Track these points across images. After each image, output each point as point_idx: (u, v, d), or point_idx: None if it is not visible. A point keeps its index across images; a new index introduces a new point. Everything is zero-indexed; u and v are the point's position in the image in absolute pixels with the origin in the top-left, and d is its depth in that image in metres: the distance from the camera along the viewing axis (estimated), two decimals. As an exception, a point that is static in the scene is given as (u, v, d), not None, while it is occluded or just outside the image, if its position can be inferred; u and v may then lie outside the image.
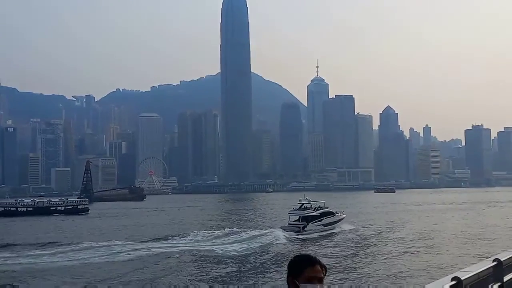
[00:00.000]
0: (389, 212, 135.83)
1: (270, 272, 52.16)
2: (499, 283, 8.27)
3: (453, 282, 6.26)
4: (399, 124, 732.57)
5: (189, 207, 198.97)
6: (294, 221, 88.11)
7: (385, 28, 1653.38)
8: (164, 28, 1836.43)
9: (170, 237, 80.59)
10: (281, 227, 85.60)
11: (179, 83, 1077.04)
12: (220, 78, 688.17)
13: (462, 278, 6.40)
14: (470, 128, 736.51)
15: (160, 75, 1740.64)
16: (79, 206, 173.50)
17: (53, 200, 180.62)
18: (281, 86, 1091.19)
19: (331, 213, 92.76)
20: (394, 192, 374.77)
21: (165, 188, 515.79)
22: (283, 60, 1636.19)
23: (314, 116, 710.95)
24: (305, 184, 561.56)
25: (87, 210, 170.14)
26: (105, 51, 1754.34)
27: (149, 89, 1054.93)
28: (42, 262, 58.42)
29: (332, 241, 77.68)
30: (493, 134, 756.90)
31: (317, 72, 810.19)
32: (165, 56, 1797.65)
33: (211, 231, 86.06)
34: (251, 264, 57.84)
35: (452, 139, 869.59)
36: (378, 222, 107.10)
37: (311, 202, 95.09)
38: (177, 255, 61.52)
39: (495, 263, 8.39)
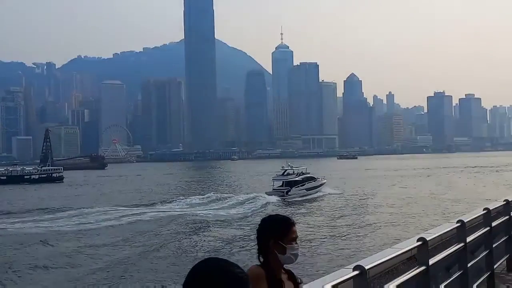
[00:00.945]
0: (353, 178, 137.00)
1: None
2: (462, 244, 8.68)
3: (419, 243, 6.56)
4: (363, 91, 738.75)
5: (164, 174, 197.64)
6: (278, 186, 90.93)
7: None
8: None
9: (159, 203, 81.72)
10: (265, 192, 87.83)
11: (142, 50, 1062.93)
12: (184, 45, 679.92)
13: (427, 239, 6.65)
14: (432, 95, 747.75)
15: (122, 42, 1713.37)
16: (53, 175, 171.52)
17: (26, 168, 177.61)
18: (246, 53, 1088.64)
19: (312, 178, 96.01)
20: (356, 158, 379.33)
21: (130, 156, 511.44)
22: (247, 27, 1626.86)
23: (279, 84, 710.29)
24: (270, 151, 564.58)
25: (62, 179, 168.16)
26: (66, 16, 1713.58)
27: (112, 56, 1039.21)
28: (59, 225, 59.13)
29: (317, 202, 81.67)
30: (455, 101, 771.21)
31: (281, 39, 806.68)
32: (127, 22, 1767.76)
33: (197, 197, 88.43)
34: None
35: (415, 106, 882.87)
36: (349, 187, 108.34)
37: (294, 168, 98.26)
38: (183, 218, 62.22)
39: (458, 224, 8.86)
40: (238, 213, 68.40)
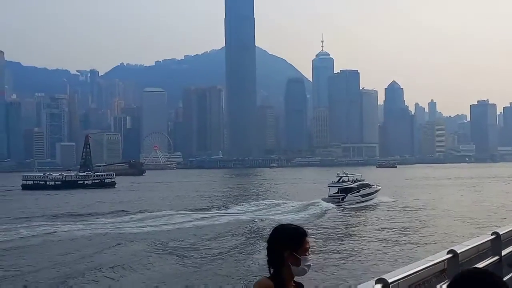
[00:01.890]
0: (391, 187, 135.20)
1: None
2: (497, 257, 8.35)
3: (450, 255, 6.33)
4: (404, 99, 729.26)
5: (199, 182, 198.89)
6: (333, 193, 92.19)
7: (394, 3, 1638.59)
8: (168, 1, 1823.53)
9: (221, 208, 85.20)
10: (322, 199, 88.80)
11: (183, 58, 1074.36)
12: (225, 53, 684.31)
13: (458, 252, 6.42)
14: (476, 103, 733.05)
15: (164, 49, 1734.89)
16: (105, 180, 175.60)
17: (80, 174, 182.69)
18: (286, 61, 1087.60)
19: (367, 185, 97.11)
20: (396, 167, 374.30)
21: (170, 163, 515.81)
22: (288, 35, 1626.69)
23: (318, 91, 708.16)
24: (309, 159, 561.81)
25: (114, 184, 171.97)
26: (109, 25, 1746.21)
27: (153, 64, 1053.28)
28: (147, 226, 62.80)
29: (375, 210, 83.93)
30: (499, 110, 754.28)
31: (322, 46, 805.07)
32: (169, 31, 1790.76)
33: (254, 203, 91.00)
34: (336, 225, 63.83)
35: (458, 114, 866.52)
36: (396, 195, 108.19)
37: (349, 175, 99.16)
38: (257, 221, 64.69)
39: (493, 236, 8.53)
40: (303, 218, 70.32)
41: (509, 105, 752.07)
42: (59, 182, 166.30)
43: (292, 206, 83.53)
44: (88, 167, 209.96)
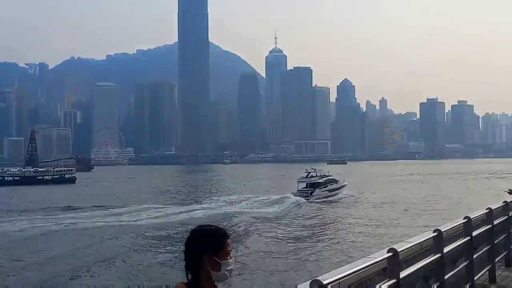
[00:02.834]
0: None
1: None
2: (439, 254, 8.34)
3: (389, 254, 6.25)
4: (356, 96, 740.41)
5: (155, 177, 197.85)
6: (302, 188, 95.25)
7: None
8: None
9: (196, 202, 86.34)
10: (291, 193, 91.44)
11: (135, 52, 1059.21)
12: (178, 48, 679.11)
13: (398, 250, 6.34)
14: (425, 101, 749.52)
15: (116, 43, 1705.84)
16: (65, 176, 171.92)
17: (40, 169, 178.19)
18: (239, 57, 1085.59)
19: (334, 181, 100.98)
20: (346, 163, 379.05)
21: (121, 159, 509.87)
22: (242, 31, 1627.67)
23: (272, 88, 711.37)
24: (263, 155, 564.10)
25: (74, 180, 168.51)
26: (60, 17, 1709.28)
27: (105, 58, 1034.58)
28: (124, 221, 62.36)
29: (340, 202, 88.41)
30: (447, 108, 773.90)
31: (275, 43, 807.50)
32: (121, 24, 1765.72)
33: (223, 198, 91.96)
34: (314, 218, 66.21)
35: (408, 112, 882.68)
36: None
37: (317, 171, 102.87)
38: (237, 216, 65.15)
39: (435, 233, 8.52)
40: (279, 211, 73.11)
41: (457, 103, 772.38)
42: (18, 178, 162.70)
43: (263, 200, 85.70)
44: (34, 162, 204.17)
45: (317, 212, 72.32)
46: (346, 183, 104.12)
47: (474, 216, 11.54)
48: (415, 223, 56.08)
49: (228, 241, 4.24)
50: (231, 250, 4.20)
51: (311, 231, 53.82)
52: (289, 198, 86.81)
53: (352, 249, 42.50)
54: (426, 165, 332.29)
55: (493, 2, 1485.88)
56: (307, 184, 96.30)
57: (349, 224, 58.64)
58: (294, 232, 52.71)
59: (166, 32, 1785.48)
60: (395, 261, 6.32)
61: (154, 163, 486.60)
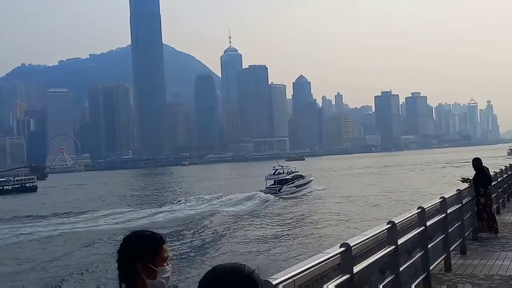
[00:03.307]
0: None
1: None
2: (394, 246, 8.29)
3: (343, 249, 6.18)
4: (312, 92, 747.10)
5: (112, 183, 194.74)
6: (270, 185, 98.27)
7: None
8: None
9: (163, 204, 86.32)
10: (260, 190, 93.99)
11: (88, 57, 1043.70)
12: (131, 50, 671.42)
13: (351, 245, 6.27)
14: (380, 94, 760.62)
15: (68, 48, 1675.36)
16: (26, 184, 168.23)
17: (0, 179, 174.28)
18: (194, 57, 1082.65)
19: (301, 176, 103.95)
20: (304, 159, 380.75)
21: (78, 165, 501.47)
22: (195, 31, 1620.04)
23: (228, 87, 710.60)
24: (222, 155, 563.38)
25: (36, 188, 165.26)
26: (8, 23, 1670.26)
27: (57, 64, 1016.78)
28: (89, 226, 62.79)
29: (308, 197, 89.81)
30: (401, 100, 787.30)
31: (230, 42, 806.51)
32: (72, 29, 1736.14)
33: (199, 196, 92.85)
34: (286, 214, 67.42)
35: (363, 106, 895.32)
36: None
37: (284, 168, 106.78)
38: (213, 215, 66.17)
39: (389, 225, 8.48)
40: (249, 208, 75.19)
41: (410, 95, 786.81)
42: None
43: (232, 199, 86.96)
44: None
45: (285, 210, 73.33)
46: (312, 178, 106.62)
47: (428, 206, 11.57)
48: (375, 215, 56.87)
49: (165, 246, 3.78)
50: (168, 256, 3.77)
51: (277, 229, 54.28)
52: (258, 195, 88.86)
53: (316, 244, 42.89)
54: (382, 157, 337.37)
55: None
56: (275, 181, 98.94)
57: (314, 220, 59.48)
58: (262, 230, 53.41)
59: (119, 35, 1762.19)
60: (348, 256, 6.23)
61: (112, 168, 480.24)
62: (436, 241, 12.19)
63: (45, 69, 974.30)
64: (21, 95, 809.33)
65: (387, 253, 7.98)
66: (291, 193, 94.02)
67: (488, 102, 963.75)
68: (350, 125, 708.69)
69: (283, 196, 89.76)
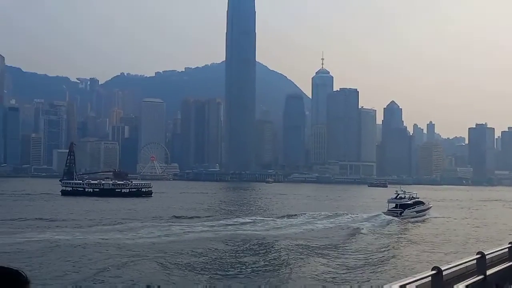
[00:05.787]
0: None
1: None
2: (482, 276, 8.44)
3: (433, 272, 6.31)
4: (403, 119, 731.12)
5: (206, 193, 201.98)
6: (392, 207, 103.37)
7: (390, 27, 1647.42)
8: (171, 15, 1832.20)
9: (290, 216, 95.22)
10: (382, 212, 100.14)
11: (183, 70, 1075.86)
12: (225, 66, 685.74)
13: (442, 269, 6.44)
14: (474, 126, 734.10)
15: (165, 61, 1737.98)
16: (142, 189, 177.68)
17: (118, 182, 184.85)
18: (286, 77, 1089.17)
19: (421, 202, 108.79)
20: (387, 187, 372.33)
21: (166, 174, 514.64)
22: (289, 51, 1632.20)
23: (317, 108, 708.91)
24: (306, 175, 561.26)
25: (151, 193, 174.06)
26: (112, 33, 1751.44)
27: (154, 75, 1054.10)
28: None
29: (429, 223, 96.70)
30: (497, 134, 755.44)
31: (322, 64, 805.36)
32: (171, 42, 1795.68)
33: (317, 213, 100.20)
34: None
35: (456, 136, 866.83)
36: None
37: (406, 193, 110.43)
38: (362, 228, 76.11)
39: (478, 256, 8.64)
40: (374, 226, 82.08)
41: (507, 130, 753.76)
42: (97, 190, 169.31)
43: (356, 217, 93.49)
44: (72, 175, 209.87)
45: (407, 230, 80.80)
46: (431, 205, 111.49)
47: None
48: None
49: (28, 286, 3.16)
50: None
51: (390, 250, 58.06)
52: (380, 216, 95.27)
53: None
54: (478, 191, 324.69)
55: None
56: (396, 205, 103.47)
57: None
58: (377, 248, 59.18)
59: (214, 51, 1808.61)
60: (439, 280, 6.36)
61: (198, 179, 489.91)
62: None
63: (142, 79, 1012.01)
64: (118, 102, 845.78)
65: (475, 281, 8.05)
66: (411, 218, 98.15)
67: None
68: (441, 155, 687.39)
69: (404, 220, 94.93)
